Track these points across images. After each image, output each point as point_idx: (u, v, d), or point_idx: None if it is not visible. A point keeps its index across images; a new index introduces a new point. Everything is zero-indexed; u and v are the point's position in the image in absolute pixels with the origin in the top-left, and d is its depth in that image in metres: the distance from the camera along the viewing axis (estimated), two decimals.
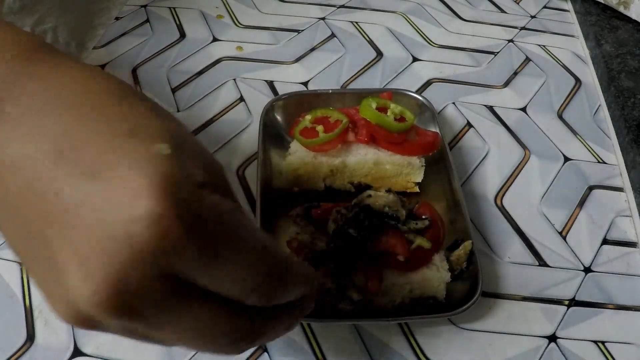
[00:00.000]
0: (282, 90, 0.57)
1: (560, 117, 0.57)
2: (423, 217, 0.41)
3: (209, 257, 0.21)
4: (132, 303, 0.20)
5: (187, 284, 0.21)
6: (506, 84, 0.60)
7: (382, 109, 0.47)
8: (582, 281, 0.44)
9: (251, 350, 0.38)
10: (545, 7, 0.72)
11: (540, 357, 0.39)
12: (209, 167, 0.23)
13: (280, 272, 0.24)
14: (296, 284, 0.25)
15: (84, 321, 0.21)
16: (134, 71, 0.58)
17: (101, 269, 0.19)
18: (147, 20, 0.65)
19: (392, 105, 0.48)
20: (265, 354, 0.38)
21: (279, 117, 0.51)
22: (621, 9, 0.65)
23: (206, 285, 0.22)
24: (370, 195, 0.41)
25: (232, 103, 0.56)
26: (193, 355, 0.38)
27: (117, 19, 0.65)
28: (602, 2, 0.67)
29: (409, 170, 0.46)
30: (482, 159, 0.52)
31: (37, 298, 0.40)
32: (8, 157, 0.22)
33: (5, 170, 0.21)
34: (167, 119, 0.24)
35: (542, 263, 0.45)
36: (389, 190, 0.42)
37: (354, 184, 0.44)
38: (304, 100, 0.52)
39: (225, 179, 0.25)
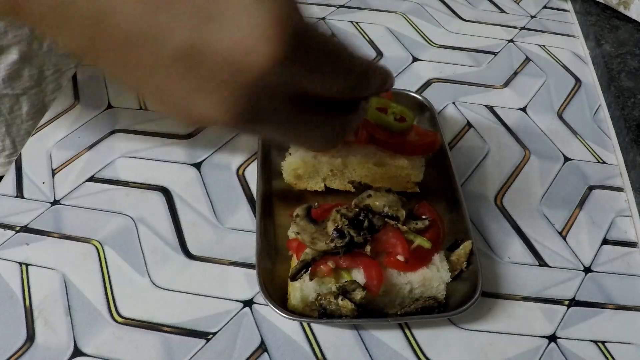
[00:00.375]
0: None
1: (560, 117, 0.57)
2: (423, 217, 0.41)
3: (319, 73, 0.26)
4: (258, 114, 0.25)
5: (303, 98, 0.27)
6: (506, 84, 0.60)
7: (382, 109, 0.47)
8: (582, 281, 0.44)
9: (251, 350, 0.38)
10: (545, 7, 0.72)
11: (540, 357, 0.39)
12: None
13: (365, 73, 0.29)
14: (374, 82, 0.30)
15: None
16: None
17: (233, 94, 0.23)
18: None
19: (393, 105, 0.48)
20: (265, 354, 0.38)
21: None
22: (621, 9, 0.65)
23: (317, 93, 0.27)
24: (370, 195, 0.41)
25: None
26: (193, 355, 0.38)
27: None
28: (602, 2, 0.67)
29: (409, 170, 0.46)
30: (482, 159, 0.52)
31: (37, 298, 0.40)
32: (97, 4, 0.22)
33: (102, 18, 0.23)
34: None
35: (542, 263, 0.45)
36: (389, 190, 0.42)
37: (354, 184, 0.44)
38: None
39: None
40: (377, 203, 0.40)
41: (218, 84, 0.23)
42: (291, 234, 0.40)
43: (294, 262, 0.40)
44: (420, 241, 0.39)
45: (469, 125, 0.55)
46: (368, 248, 0.38)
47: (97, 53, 0.24)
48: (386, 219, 0.39)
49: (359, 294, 0.37)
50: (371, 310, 0.39)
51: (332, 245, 0.37)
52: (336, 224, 0.38)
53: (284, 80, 0.25)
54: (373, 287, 0.38)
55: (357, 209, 0.39)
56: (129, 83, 0.25)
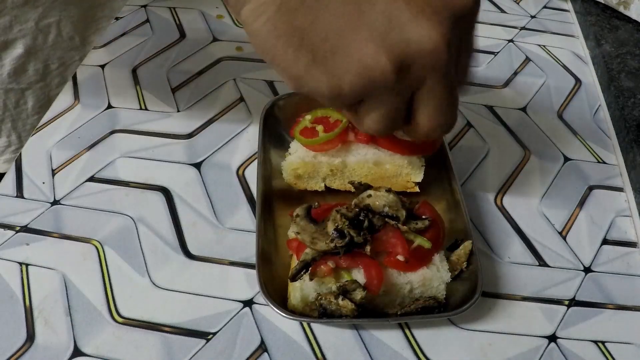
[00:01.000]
0: (282, 90, 0.57)
1: (560, 117, 0.57)
2: (423, 217, 0.41)
3: (472, 37, 0.33)
4: (451, 44, 0.29)
5: None
6: (506, 84, 0.60)
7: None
8: (582, 281, 0.44)
9: (251, 350, 0.38)
10: (545, 7, 0.72)
11: (540, 357, 0.39)
12: None
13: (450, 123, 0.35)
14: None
15: (405, 62, 0.29)
16: (134, 71, 0.58)
17: (446, 18, 0.29)
18: (147, 20, 0.65)
19: None
20: (265, 354, 0.38)
21: (279, 117, 0.51)
22: (621, 9, 0.65)
23: (466, 57, 0.33)
24: (370, 195, 0.41)
25: (232, 103, 0.56)
26: (193, 355, 0.38)
27: (117, 19, 0.65)
28: (602, 2, 0.67)
29: (409, 170, 0.46)
30: (482, 159, 0.52)
31: (37, 298, 0.40)
32: None
33: None
34: None
35: (542, 263, 0.45)
36: (389, 190, 0.42)
37: (354, 184, 0.44)
38: (304, 100, 0.52)
39: None
40: (377, 203, 0.40)
41: (435, 9, 0.28)
42: (291, 234, 0.40)
43: (294, 262, 0.40)
44: (420, 241, 0.39)
45: (469, 125, 0.55)
46: (368, 248, 0.38)
47: None
48: (386, 219, 0.39)
49: (359, 294, 0.37)
50: (371, 310, 0.39)
51: (332, 245, 0.37)
52: (336, 224, 0.38)
53: (466, 31, 0.31)
54: (373, 287, 0.38)
55: (357, 209, 0.39)
56: (347, 11, 0.29)
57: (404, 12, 0.28)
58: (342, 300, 0.37)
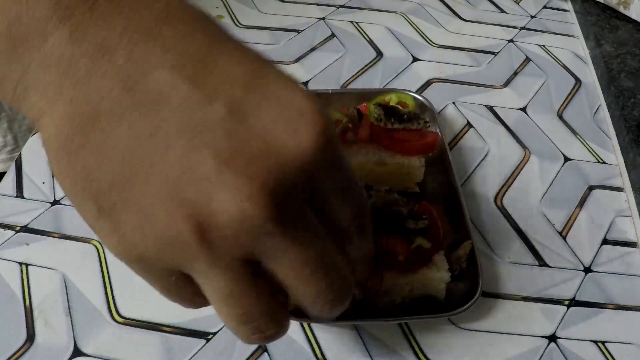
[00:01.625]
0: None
1: (560, 117, 0.57)
2: (423, 217, 0.41)
3: (342, 188, 0.24)
4: (282, 213, 0.21)
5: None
6: (506, 84, 0.60)
7: (383, 104, 0.48)
8: (582, 281, 0.44)
9: (251, 349, 0.38)
10: (545, 7, 0.72)
11: (540, 357, 0.39)
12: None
13: (368, 213, 0.27)
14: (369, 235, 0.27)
15: (209, 233, 0.21)
16: None
17: (262, 174, 0.20)
18: None
19: (389, 97, 0.50)
20: (265, 354, 0.38)
21: None
22: (621, 9, 0.65)
23: (333, 209, 0.24)
24: (370, 196, 0.41)
25: None
26: (193, 355, 0.38)
27: None
28: (602, 2, 0.67)
29: (409, 170, 0.46)
30: (482, 159, 0.52)
31: (37, 298, 0.40)
32: (133, 61, 0.21)
33: (134, 74, 0.21)
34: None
35: (542, 263, 0.45)
36: (389, 190, 0.42)
37: None
38: None
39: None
40: (378, 203, 0.40)
41: (258, 155, 0.20)
42: None
43: None
44: (420, 241, 0.39)
45: (469, 125, 0.55)
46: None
47: (113, 114, 0.21)
48: (387, 219, 0.39)
49: (356, 294, 0.37)
50: (371, 310, 0.39)
51: None
52: None
53: (311, 178, 0.21)
54: (374, 287, 0.37)
55: None
56: (134, 157, 0.21)
57: (206, 162, 0.20)
58: None
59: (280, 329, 0.25)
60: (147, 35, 0.21)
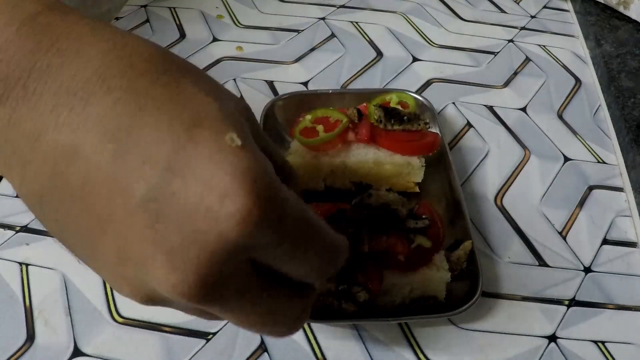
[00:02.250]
0: (282, 90, 0.57)
1: (560, 117, 0.57)
2: (423, 216, 0.41)
3: (289, 246, 0.23)
4: (216, 291, 0.21)
5: (261, 268, 0.23)
6: (506, 84, 0.60)
7: (385, 104, 0.48)
8: (582, 281, 0.44)
9: (251, 349, 0.38)
10: (545, 7, 0.72)
11: (540, 357, 0.39)
12: (273, 153, 0.25)
13: (336, 254, 0.26)
14: (340, 263, 0.27)
15: (157, 302, 0.23)
16: None
17: (190, 262, 0.20)
18: (147, 20, 0.65)
19: (390, 97, 0.50)
20: (265, 354, 0.38)
21: (279, 117, 0.51)
22: (621, 9, 0.65)
23: (279, 269, 0.24)
24: (370, 195, 0.41)
25: None
26: (193, 355, 0.38)
27: (117, 19, 0.65)
28: (602, 2, 0.67)
29: (409, 170, 0.46)
30: (482, 159, 0.52)
31: (37, 298, 0.40)
32: (61, 144, 0.21)
33: (62, 160, 0.21)
34: (223, 97, 0.23)
35: (542, 263, 0.45)
36: (389, 190, 0.42)
37: (355, 183, 0.45)
38: (304, 100, 0.52)
39: (288, 166, 0.28)
40: (378, 202, 0.40)
41: (182, 242, 0.20)
42: None
43: None
44: (421, 240, 0.39)
45: (469, 125, 0.55)
46: (366, 247, 0.38)
47: (52, 197, 0.22)
48: (387, 218, 0.39)
49: (362, 296, 0.37)
50: (371, 310, 0.39)
51: None
52: (340, 227, 0.38)
53: (251, 245, 0.21)
54: (374, 287, 0.37)
55: (363, 211, 0.39)
56: (78, 237, 0.23)
57: (134, 251, 0.21)
58: (345, 303, 0.37)
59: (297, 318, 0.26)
60: (69, 113, 0.21)
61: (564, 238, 0.46)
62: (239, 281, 0.22)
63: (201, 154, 0.20)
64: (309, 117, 0.48)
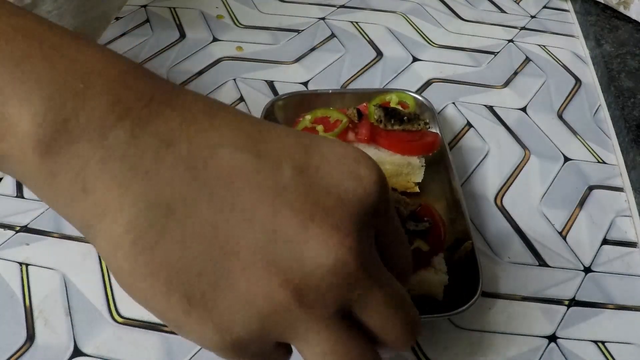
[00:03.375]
0: (282, 90, 0.57)
1: (560, 117, 0.57)
2: (424, 219, 0.41)
3: (398, 225, 0.26)
4: (366, 250, 0.23)
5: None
6: (506, 84, 0.60)
7: (385, 104, 0.48)
8: (582, 281, 0.44)
9: None
10: (545, 7, 0.72)
11: (540, 357, 0.39)
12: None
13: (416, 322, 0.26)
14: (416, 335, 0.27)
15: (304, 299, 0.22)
16: None
17: (345, 219, 0.22)
18: (147, 20, 0.65)
19: (390, 97, 0.50)
20: None
21: (279, 117, 0.51)
22: (621, 9, 0.65)
23: (395, 250, 0.26)
24: None
25: (232, 103, 0.56)
26: (193, 355, 0.38)
27: (117, 19, 0.65)
28: (602, 2, 0.67)
29: (409, 170, 0.46)
30: (482, 159, 0.52)
31: (37, 298, 0.40)
32: (195, 146, 0.22)
33: (199, 160, 0.22)
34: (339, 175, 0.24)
35: (542, 263, 0.45)
36: (394, 189, 0.42)
37: None
38: (304, 100, 0.52)
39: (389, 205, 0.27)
40: None
41: (328, 212, 0.22)
42: None
43: None
44: (419, 243, 0.39)
45: (469, 125, 0.55)
46: None
47: (188, 198, 0.22)
48: None
49: None
50: None
51: None
52: None
53: (378, 217, 0.24)
54: None
55: None
56: (209, 240, 0.22)
57: (290, 222, 0.21)
58: None
59: None
60: (200, 125, 0.22)
61: (564, 238, 0.46)
62: (375, 252, 0.24)
63: (325, 140, 0.24)
64: (308, 117, 0.48)
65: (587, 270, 0.44)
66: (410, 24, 0.67)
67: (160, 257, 0.21)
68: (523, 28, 0.68)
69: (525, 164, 0.52)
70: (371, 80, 0.59)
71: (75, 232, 0.44)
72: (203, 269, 0.21)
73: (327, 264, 0.21)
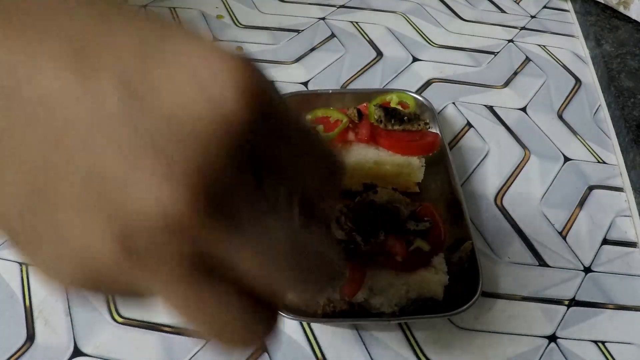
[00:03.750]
0: (282, 90, 0.57)
1: (560, 117, 0.57)
2: (425, 219, 0.41)
3: (292, 146, 0.20)
4: (225, 200, 0.17)
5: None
6: (506, 84, 0.60)
7: (384, 105, 0.48)
8: (582, 281, 0.44)
9: (251, 350, 0.38)
10: (545, 7, 0.72)
11: (540, 357, 0.39)
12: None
13: (336, 167, 0.22)
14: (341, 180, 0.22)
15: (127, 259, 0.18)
16: None
17: (187, 161, 0.16)
18: None
19: (390, 97, 0.50)
20: (265, 354, 0.38)
21: None
22: (621, 9, 0.65)
23: (291, 177, 0.20)
24: (376, 192, 0.41)
25: None
26: (193, 355, 0.38)
27: None
28: (602, 2, 0.67)
29: (409, 170, 0.46)
30: (482, 159, 0.52)
31: (37, 298, 0.40)
32: (36, 90, 0.17)
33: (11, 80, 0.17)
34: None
35: (542, 263, 0.45)
36: (394, 189, 0.42)
37: (365, 185, 0.45)
38: (304, 100, 0.52)
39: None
40: (382, 197, 0.41)
41: (173, 138, 0.16)
42: None
43: None
44: (419, 243, 0.39)
45: (469, 125, 0.55)
46: (361, 246, 0.38)
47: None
48: (387, 217, 0.39)
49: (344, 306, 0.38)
50: (367, 309, 0.39)
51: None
52: (340, 225, 0.38)
53: (254, 132, 0.17)
54: (347, 291, 0.37)
55: (357, 209, 0.39)
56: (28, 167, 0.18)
57: (116, 164, 0.17)
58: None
59: (265, 330, 0.20)
60: (24, 26, 0.17)
61: (564, 238, 0.46)
62: (245, 191, 0.18)
63: (174, 36, 0.18)
64: (309, 117, 0.48)
65: (587, 270, 0.44)
66: (410, 24, 0.67)
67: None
68: (523, 28, 0.68)
69: (525, 164, 0.52)
70: (371, 80, 0.59)
71: None
72: (24, 210, 0.18)
73: (155, 216, 0.17)
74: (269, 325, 0.20)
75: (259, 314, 0.20)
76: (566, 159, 0.53)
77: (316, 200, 0.22)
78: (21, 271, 0.41)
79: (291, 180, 0.20)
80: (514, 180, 0.51)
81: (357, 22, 0.66)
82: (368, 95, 0.52)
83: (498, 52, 0.64)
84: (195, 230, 0.17)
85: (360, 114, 0.47)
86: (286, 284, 0.20)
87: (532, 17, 0.70)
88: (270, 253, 0.19)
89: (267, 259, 0.19)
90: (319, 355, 0.38)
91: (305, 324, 0.40)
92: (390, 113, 0.46)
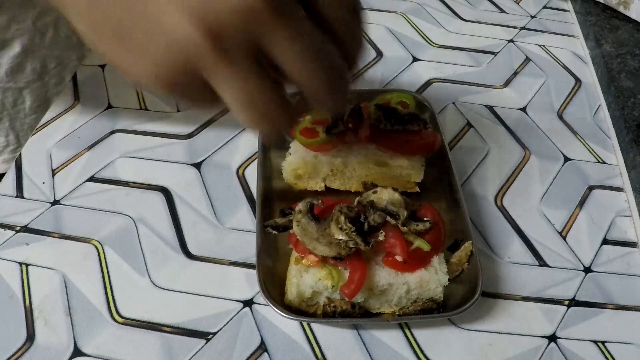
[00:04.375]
0: None
1: (560, 117, 0.57)
2: (425, 219, 0.41)
3: None
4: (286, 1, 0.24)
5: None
6: (506, 84, 0.60)
7: (384, 104, 0.48)
8: (582, 281, 0.44)
9: (251, 350, 0.38)
10: (545, 7, 0.72)
11: (540, 357, 0.39)
12: None
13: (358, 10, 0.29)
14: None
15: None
16: None
17: None
18: None
19: (390, 96, 0.50)
20: (265, 354, 0.38)
21: None
22: (621, 9, 0.65)
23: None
24: (375, 192, 0.41)
25: None
26: (193, 355, 0.38)
27: None
28: (602, 2, 0.67)
29: (409, 170, 0.46)
30: (482, 159, 0.52)
31: (37, 298, 0.40)
32: None
33: None
34: None
35: (542, 263, 0.45)
36: (394, 189, 0.42)
37: (366, 185, 0.45)
38: (304, 100, 0.52)
39: None
40: (382, 198, 0.41)
41: None
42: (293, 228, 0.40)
43: (294, 256, 0.40)
44: (419, 243, 0.39)
45: (469, 125, 0.55)
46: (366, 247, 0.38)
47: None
48: (387, 218, 0.39)
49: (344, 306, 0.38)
50: (368, 309, 0.39)
51: (334, 253, 0.37)
52: (339, 226, 0.38)
53: None
54: (348, 291, 0.37)
55: (357, 209, 0.39)
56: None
57: None
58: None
59: (289, 119, 0.27)
60: None
61: (564, 238, 0.46)
62: (296, 4, 0.25)
63: None
64: (309, 117, 0.48)
65: (587, 270, 0.44)
66: (410, 24, 0.67)
67: (100, 12, 0.25)
68: (523, 28, 0.68)
69: (525, 164, 0.52)
70: (371, 80, 0.59)
71: (75, 232, 0.44)
72: (128, 8, 0.24)
73: (238, 5, 0.23)
74: (292, 118, 0.28)
75: (290, 106, 0.27)
76: (566, 159, 0.53)
77: (340, 32, 0.28)
78: (21, 271, 0.41)
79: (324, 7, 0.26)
80: (514, 180, 0.51)
81: None
82: (368, 95, 0.52)
83: (498, 52, 0.64)
84: (264, 23, 0.23)
85: (360, 113, 0.47)
86: (316, 82, 0.26)
87: (532, 17, 0.70)
88: (308, 54, 0.25)
89: (306, 57, 0.25)
90: (319, 355, 0.38)
91: (305, 324, 0.40)
92: (390, 113, 0.46)
